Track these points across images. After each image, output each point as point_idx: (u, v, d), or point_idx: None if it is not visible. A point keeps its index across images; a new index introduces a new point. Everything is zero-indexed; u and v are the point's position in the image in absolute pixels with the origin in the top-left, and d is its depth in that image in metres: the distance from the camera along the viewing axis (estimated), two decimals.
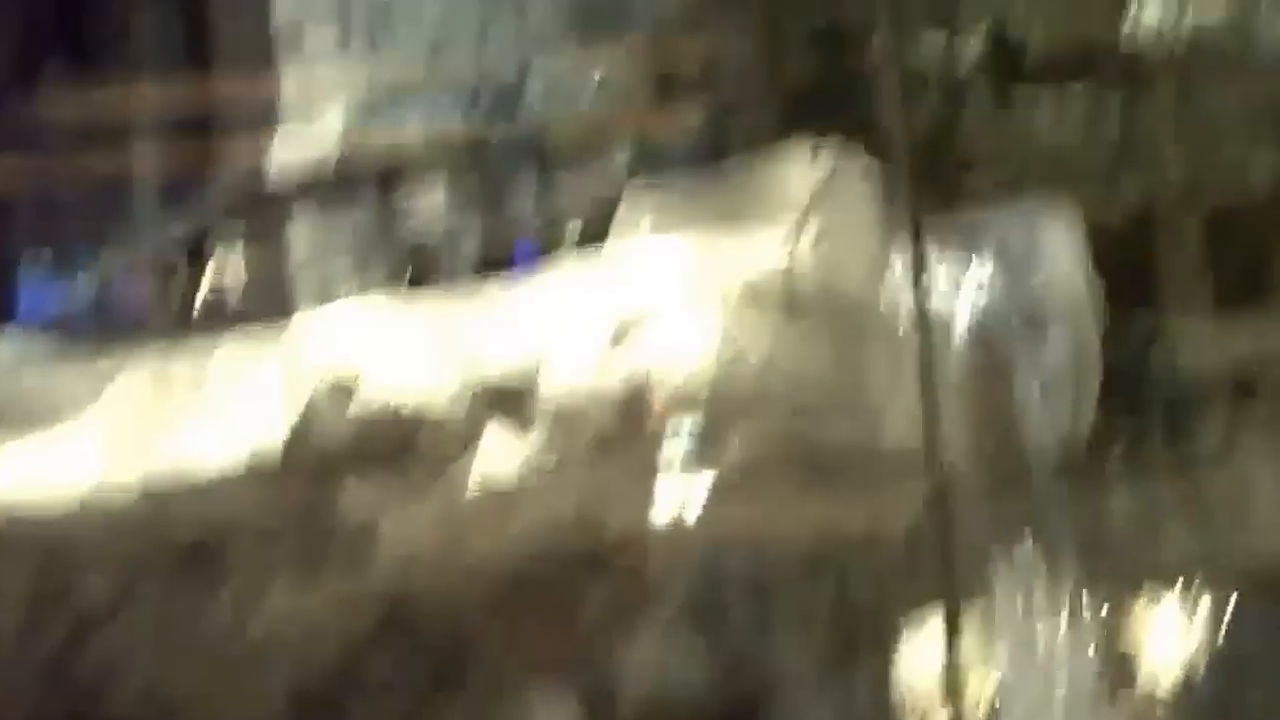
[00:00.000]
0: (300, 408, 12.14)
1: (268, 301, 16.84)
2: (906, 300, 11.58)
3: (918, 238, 7.11)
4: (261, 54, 17.25)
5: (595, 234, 14.82)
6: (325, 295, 16.56)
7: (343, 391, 12.14)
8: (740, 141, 14.21)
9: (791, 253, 11.69)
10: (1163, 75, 14.15)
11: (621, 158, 15.59)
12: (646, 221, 12.60)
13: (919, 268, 7.81)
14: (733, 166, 12.81)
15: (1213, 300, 15.49)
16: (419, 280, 16.17)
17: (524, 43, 16.47)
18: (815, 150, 12.04)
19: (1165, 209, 15.53)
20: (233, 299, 17.06)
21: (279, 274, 17.11)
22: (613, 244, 12.76)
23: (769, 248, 11.80)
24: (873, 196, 12.19)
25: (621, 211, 12.89)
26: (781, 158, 12.34)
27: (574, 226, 15.48)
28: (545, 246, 15.79)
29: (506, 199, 16.48)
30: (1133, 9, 13.55)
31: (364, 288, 16.54)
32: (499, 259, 16.32)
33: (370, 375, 12.09)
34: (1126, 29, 13.68)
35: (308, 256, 16.97)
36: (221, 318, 16.84)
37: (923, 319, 8.10)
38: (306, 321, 13.35)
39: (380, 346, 12.25)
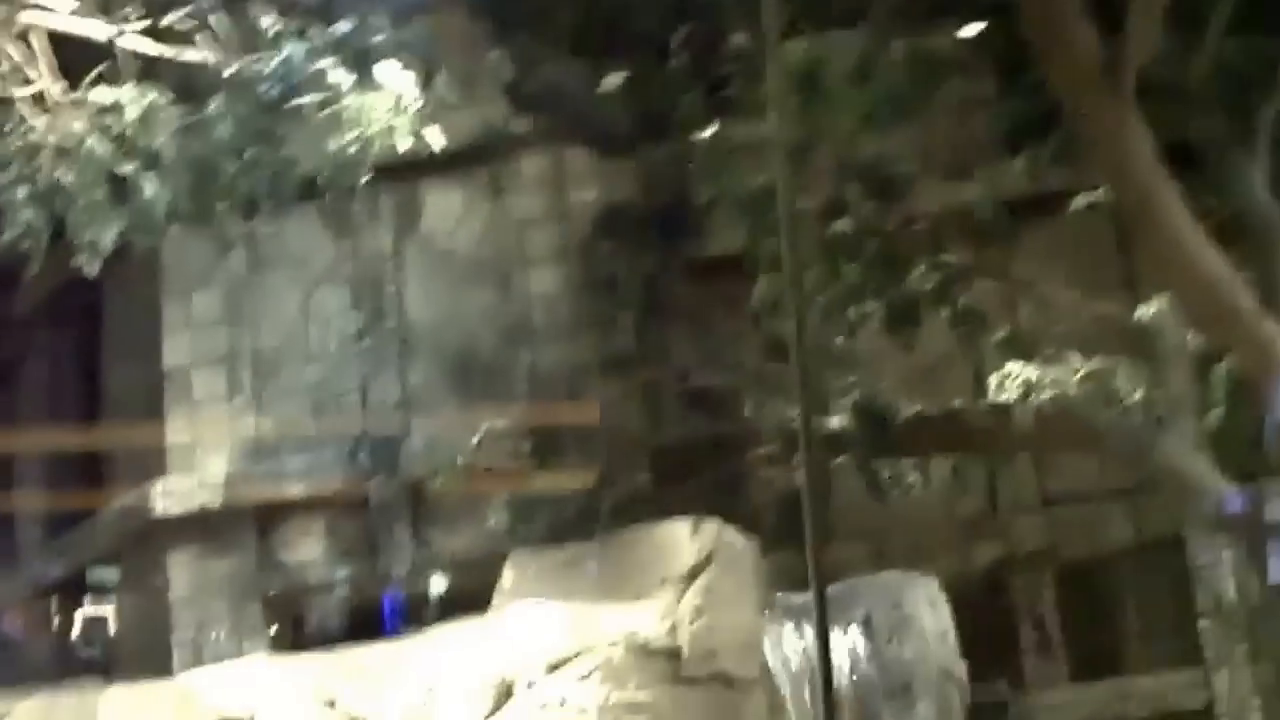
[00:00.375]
0: None
1: (145, 638, 17.01)
2: (781, 669, 11.96)
3: (821, 614, 7.55)
4: (150, 399, 17.62)
5: (468, 589, 15.14)
6: (202, 635, 16.79)
7: None
8: (620, 503, 14.63)
9: (672, 622, 12.06)
10: (1021, 442, 14.79)
11: (499, 515, 15.97)
12: (529, 585, 12.91)
13: (824, 644, 8.21)
14: (615, 535, 13.22)
15: (1070, 661, 15.97)
16: (293, 625, 16.44)
17: (405, 399, 16.93)
18: (696, 524, 12.50)
19: (1024, 573, 16.07)
20: (109, 634, 17.22)
21: (157, 612, 17.29)
22: (495, 602, 13.06)
23: (650, 617, 12.16)
24: (751, 569, 12.65)
25: (504, 573, 13.22)
26: (663, 530, 12.80)
27: (441, 580, 15.85)
28: (415, 599, 16.11)
29: (382, 550, 16.79)
30: (993, 379, 14.23)
31: (240, 629, 16.77)
32: (371, 607, 16.61)
33: None
34: (987, 398, 14.35)
35: (186, 596, 17.18)
36: (99, 652, 17.00)
37: (827, 692, 8.49)
38: (196, 675, 13.54)
39: (268, 703, 12.43)
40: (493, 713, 11.94)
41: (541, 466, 16.00)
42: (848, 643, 12.58)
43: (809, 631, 12.41)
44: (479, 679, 12.10)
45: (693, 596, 12.24)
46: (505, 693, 12.01)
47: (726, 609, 12.30)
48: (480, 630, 12.75)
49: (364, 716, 12.21)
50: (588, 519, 14.85)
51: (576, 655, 11.98)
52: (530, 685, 11.99)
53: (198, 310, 17.58)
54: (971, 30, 13.13)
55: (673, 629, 12.05)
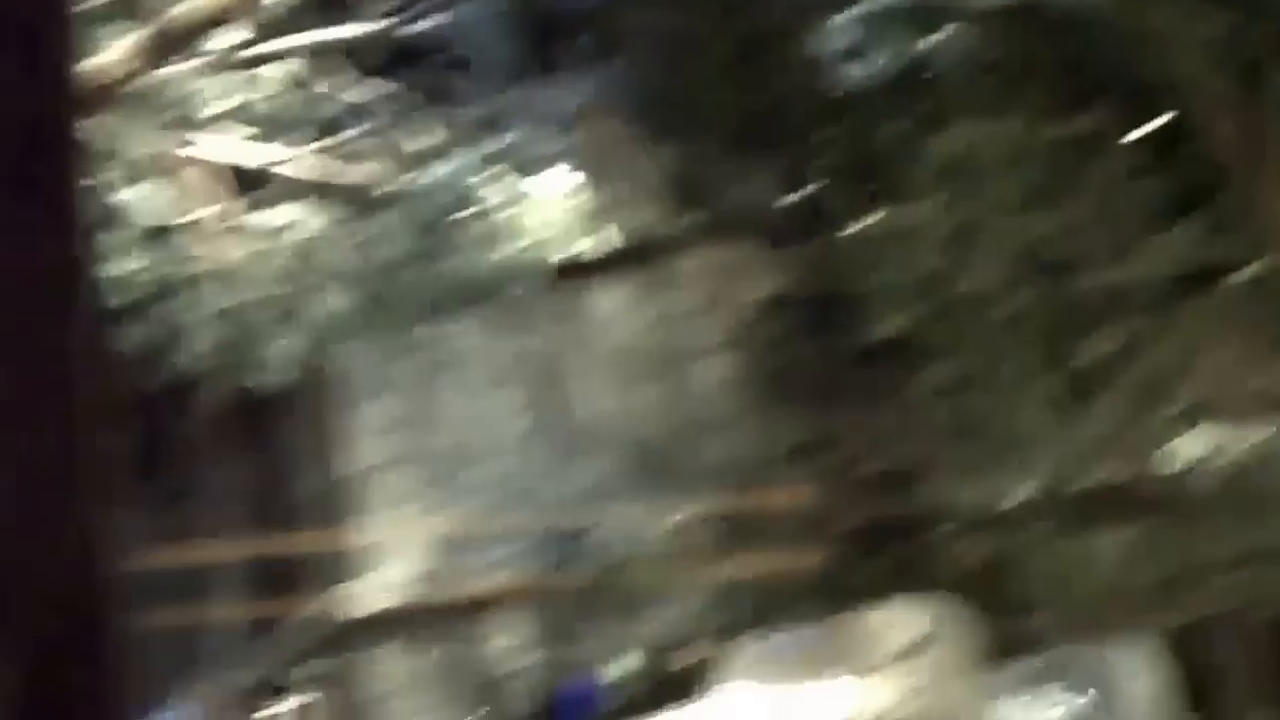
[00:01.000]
0: None
1: None
2: None
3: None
4: (334, 505, 18.01)
5: (669, 676, 15.32)
6: None
7: None
8: (816, 586, 14.78)
9: (898, 700, 12.19)
10: (1205, 506, 14.80)
11: (694, 603, 16.15)
12: (746, 670, 13.07)
13: None
14: (829, 617, 13.37)
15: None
16: (493, 718, 16.71)
17: (586, 493, 17.17)
18: (915, 603, 12.63)
19: (1224, 634, 16.00)
20: None
21: (354, 709, 17.66)
22: (713, 688, 13.22)
23: (875, 696, 12.30)
24: (972, 645, 12.75)
25: (719, 659, 13.39)
26: (881, 610, 12.93)
27: (640, 668, 16.03)
28: (613, 688, 16.30)
29: (576, 640, 17.02)
30: (1173, 446, 14.31)
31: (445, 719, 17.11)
32: (566, 696, 16.83)
33: None
34: (1165, 466, 14.42)
35: (382, 693, 17.55)
36: None
37: None
38: None
39: None
40: None
41: (732, 554, 16.15)
42: (1063, 712, 12.68)
43: (1029, 701, 12.55)
44: None
45: (917, 674, 12.36)
46: None
47: (951, 685, 12.41)
48: (705, 716, 12.89)
49: None
50: (786, 603, 15.00)
51: None
52: None
53: (376, 416, 17.93)
54: (1153, 125, 13.16)
55: (898, 707, 12.16)
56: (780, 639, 13.29)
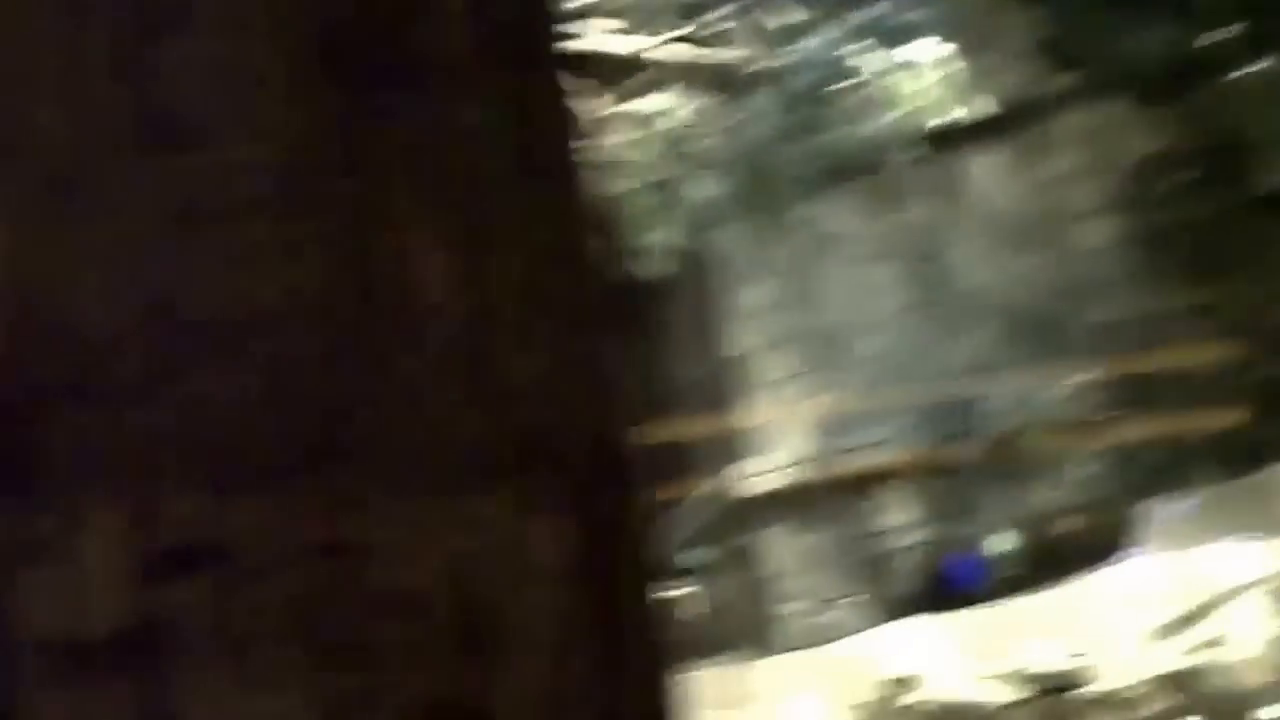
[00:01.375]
0: (859, 708, 12.62)
1: (737, 616, 17.55)
2: None
3: None
4: (716, 388, 18.13)
5: (1073, 543, 15.15)
6: (799, 608, 17.26)
7: (902, 691, 12.63)
8: (1227, 443, 14.45)
9: None
10: None
11: (1095, 467, 15.91)
12: (1164, 531, 12.87)
13: None
14: (1246, 476, 13.11)
15: None
16: (894, 590, 16.73)
17: (970, 363, 17.00)
18: None
19: None
20: (701, 615, 17.81)
21: (747, 589, 17.83)
22: (1130, 552, 13.05)
23: None
24: None
25: (1133, 522, 13.23)
26: None
27: (1022, 533, 15.90)
28: (1001, 557, 16.18)
29: (973, 510, 16.90)
30: None
31: (836, 598, 17.17)
32: (954, 570, 16.76)
33: (928, 681, 12.58)
34: None
35: (776, 572, 17.66)
36: (693, 634, 17.61)
37: None
38: (851, 641, 13.93)
39: (932, 662, 12.72)
40: (1155, 655, 11.94)
41: (1129, 417, 15.84)
42: None
43: None
44: (1135, 624, 12.13)
45: None
46: (1165, 634, 12.01)
47: None
48: (1124, 578, 12.76)
49: (1028, 669, 12.35)
50: (1193, 465, 14.70)
51: (1236, 591, 11.92)
52: (1189, 625, 11.97)
53: (757, 297, 17.96)
54: None
55: None
56: (1188, 501, 13.08)
